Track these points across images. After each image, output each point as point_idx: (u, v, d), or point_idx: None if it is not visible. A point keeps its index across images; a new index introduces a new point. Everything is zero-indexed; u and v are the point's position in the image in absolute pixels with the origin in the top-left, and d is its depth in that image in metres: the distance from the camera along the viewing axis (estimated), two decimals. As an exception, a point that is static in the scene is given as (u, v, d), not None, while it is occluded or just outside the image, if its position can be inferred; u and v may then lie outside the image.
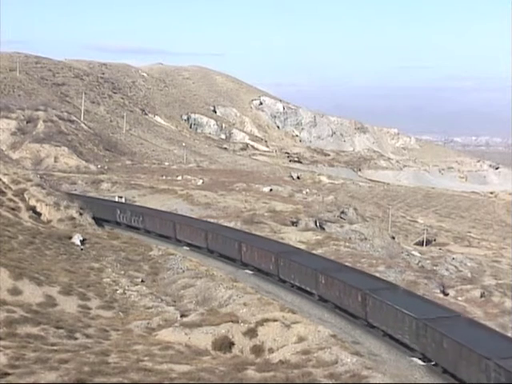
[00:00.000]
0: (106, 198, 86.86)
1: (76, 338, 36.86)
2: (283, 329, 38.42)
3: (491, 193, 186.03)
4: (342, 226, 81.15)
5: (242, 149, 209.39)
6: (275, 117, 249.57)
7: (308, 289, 48.00)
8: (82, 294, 44.55)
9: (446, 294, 56.37)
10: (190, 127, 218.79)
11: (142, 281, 51.48)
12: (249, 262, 55.08)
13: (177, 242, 63.59)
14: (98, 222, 68.59)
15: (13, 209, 61.12)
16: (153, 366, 32.18)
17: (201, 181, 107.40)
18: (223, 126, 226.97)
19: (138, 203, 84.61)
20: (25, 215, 60.97)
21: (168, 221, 66.29)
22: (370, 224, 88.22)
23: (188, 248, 62.28)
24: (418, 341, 37.13)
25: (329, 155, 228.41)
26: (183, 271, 54.27)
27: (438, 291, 56.28)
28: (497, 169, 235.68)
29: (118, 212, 71.48)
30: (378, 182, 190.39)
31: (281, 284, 51.47)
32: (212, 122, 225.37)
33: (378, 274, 54.10)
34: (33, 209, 62.82)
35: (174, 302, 47.15)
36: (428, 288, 56.60)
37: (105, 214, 71.68)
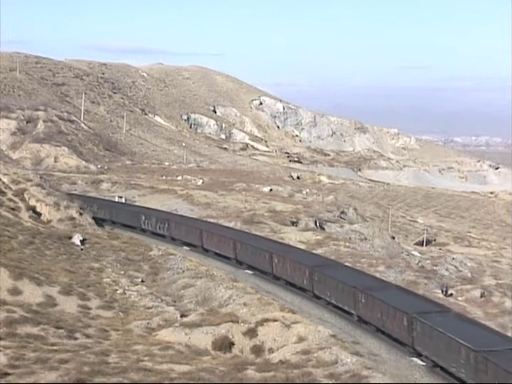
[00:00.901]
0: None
1: (76, 338, 36.86)
2: (283, 329, 38.42)
3: (491, 193, 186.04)
4: (341, 226, 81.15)
5: (242, 149, 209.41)
6: (275, 117, 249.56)
7: (346, 308, 43.55)
8: (82, 294, 44.54)
9: (449, 295, 56.26)
10: (190, 127, 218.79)
11: (142, 281, 51.47)
12: (281, 276, 51.09)
13: (204, 251, 60.43)
14: (123, 227, 68.52)
15: (13, 209, 61.11)
16: (153, 366, 32.18)
17: (201, 181, 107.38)
18: (223, 125, 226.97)
19: (137, 203, 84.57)
20: (25, 215, 60.96)
21: (194, 228, 62.60)
22: (370, 224, 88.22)
23: (188, 248, 62.27)
24: (477, 377, 31.96)
25: (329, 155, 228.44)
26: (183, 271, 54.25)
27: (440, 292, 56.18)
28: (497, 169, 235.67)
29: (143, 218, 68.35)
30: (378, 181, 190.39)
31: (277, 282, 51.44)
32: (212, 121, 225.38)
33: (377, 274, 54.14)
34: (33, 209, 62.81)
35: (174, 302, 47.14)
36: (428, 288, 56.60)
37: (128, 219, 69.60)
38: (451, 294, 56.77)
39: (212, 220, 73.71)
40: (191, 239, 62.33)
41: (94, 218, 67.80)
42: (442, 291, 56.21)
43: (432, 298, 45.19)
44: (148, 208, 76.07)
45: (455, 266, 69.25)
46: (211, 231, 60.91)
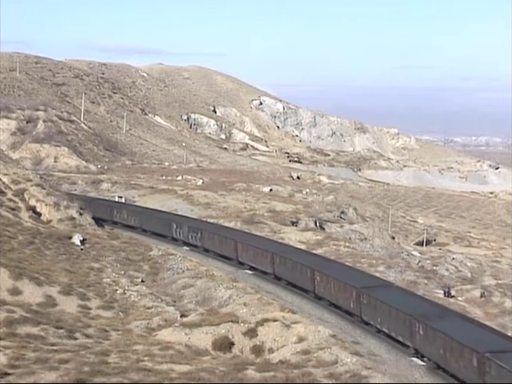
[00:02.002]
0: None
1: (76, 338, 36.86)
2: (283, 329, 38.41)
3: (491, 193, 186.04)
4: (341, 226, 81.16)
5: (242, 149, 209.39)
6: (275, 117, 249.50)
7: (400, 339, 38.32)
8: (82, 294, 44.54)
9: (452, 297, 56.14)
10: (190, 127, 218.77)
11: (142, 281, 51.47)
12: (323, 295, 46.42)
13: (239, 264, 56.19)
14: (154, 236, 65.79)
15: (13, 209, 61.10)
16: (153, 366, 32.18)
17: (201, 181, 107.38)
18: (223, 125, 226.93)
19: (137, 203, 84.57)
20: (25, 215, 60.95)
21: (229, 239, 57.86)
22: (370, 224, 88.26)
23: (188, 248, 62.25)
24: None
25: (329, 155, 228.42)
26: (183, 271, 54.25)
27: (442, 293, 56.05)
28: (497, 169, 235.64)
29: (175, 227, 64.61)
30: (378, 182, 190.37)
31: (277, 282, 51.19)
32: (212, 121, 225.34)
33: (377, 274, 54.15)
34: (33, 209, 62.80)
35: (174, 302, 47.13)
36: (428, 288, 56.61)
37: (159, 227, 66.37)
38: (453, 296, 56.63)
39: (212, 220, 73.67)
40: (225, 251, 57.76)
41: (123, 225, 68.86)
42: (445, 293, 56.07)
43: (506, 334, 39.27)
44: (180, 215, 72.66)
45: (455, 266, 69.30)
46: (247, 243, 56.07)
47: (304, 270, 48.19)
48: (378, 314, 40.19)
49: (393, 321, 38.71)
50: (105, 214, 71.49)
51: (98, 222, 67.87)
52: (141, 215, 69.41)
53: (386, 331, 39.34)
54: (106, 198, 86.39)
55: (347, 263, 57.28)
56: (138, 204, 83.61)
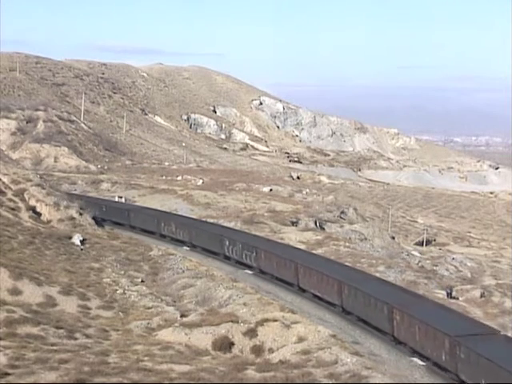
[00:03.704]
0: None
1: (76, 338, 36.85)
2: (283, 329, 38.41)
3: (491, 193, 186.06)
4: (341, 226, 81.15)
5: (242, 149, 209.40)
6: (275, 117, 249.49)
7: None
8: (82, 294, 44.53)
9: (453, 298, 56.10)
10: (190, 127, 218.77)
11: (142, 281, 51.46)
12: (405, 340, 38.01)
13: (300, 291, 48.89)
14: (205, 252, 59.79)
15: (13, 209, 61.09)
16: (153, 366, 32.18)
17: (201, 181, 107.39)
18: (223, 125, 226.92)
19: (137, 203, 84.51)
20: (25, 215, 60.94)
21: (289, 261, 50.43)
22: (370, 224, 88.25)
23: (188, 248, 62.21)
24: None
25: (329, 155, 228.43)
26: (183, 271, 54.23)
27: (445, 294, 56.01)
28: (497, 169, 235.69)
29: (227, 243, 57.79)
30: (378, 182, 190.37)
31: (279, 283, 51.22)
32: (212, 121, 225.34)
33: (377, 274, 54.12)
34: (33, 209, 62.80)
35: (174, 302, 47.12)
36: (428, 288, 56.59)
37: (211, 244, 60.02)
38: (454, 298, 56.57)
39: (212, 220, 73.62)
40: (285, 275, 50.63)
41: (172, 239, 63.85)
42: (447, 294, 56.00)
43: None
44: (233, 230, 65.97)
45: (455, 266, 69.30)
46: (309, 267, 48.33)
47: (380, 306, 40.18)
48: (482, 372, 31.13)
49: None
50: (151, 225, 67.23)
51: (146, 233, 66.13)
52: (190, 229, 63.18)
53: None
54: (147, 206, 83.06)
55: (347, 263, 57.24)
56: (138, 203, 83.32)
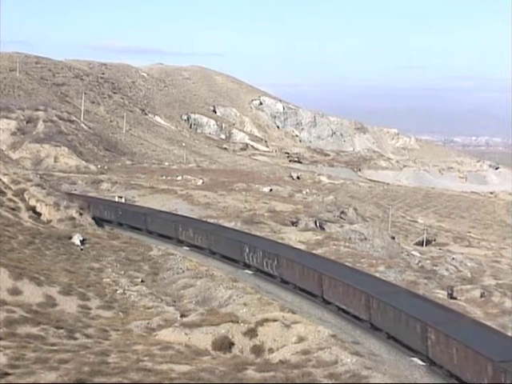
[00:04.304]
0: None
1: (76, 338, 36.85)
2: (283, 329, 38.41)
3: (491, 193, 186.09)
4: (341, 226, 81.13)
5: (242, 149, 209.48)
6: (275, 117, 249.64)
7: None
8: (82, 294, 44.53)
9: (454, 298, 56.07)
10: (190, 127, 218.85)
11: (142, 281, 51.47)
12: (442, 363, 34.48)
13: (325, 303, 45.89)
14: (225, 260, 57.13)
15: (13, 209, 61.09)
16: (153, 366, 32.16)
17: (201, 181, 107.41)
18: (223, 125, 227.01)
19: (137, 203, 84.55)
20: (25, 215, 60.94)
21: (312, 270, 47.20)
22: (370, 224, 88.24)
23: (188, 248, 62.20)
24: None
25: (329, 155, 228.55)
26: (183, 271, 54.24)
27: (446, 294, 55.96)
28: (497, 169, 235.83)
29: (247, 250, 54.98)
30: (378, 182, 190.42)
31: (280, 284, 51.20)
32: (212, 121, 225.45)
33: (377, 274, 54.09)
34: (33, 209, 62.80)
35: (174, 302, 47.12)
36: (428, 288, 56.57)
37: (229, 251, 57.50)
38: (456, 298, 56.49)
39: (212, 220, 73.64)
40: (308, 285, 47.52)
41: (189, 244, 61.57)
42: (449, 294, 55.94)
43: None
44: (254, 236, 63.00)
45: (455, 266, 69.28)
46: (335, 277, 45.01)
47: (412, 323, 36.64)
48: None
49: None
50: (169, 230, 65.20)
51: (164, 239, 64.29)
52: (209, 235, 60.41)
53: None
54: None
55: (347, 263, 57.21)
56: (138, 203, 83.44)
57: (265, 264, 52.48)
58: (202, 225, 65.57)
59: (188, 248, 62.01)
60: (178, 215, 73.38)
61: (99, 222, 68.47)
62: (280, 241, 64.33)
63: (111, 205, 75.91)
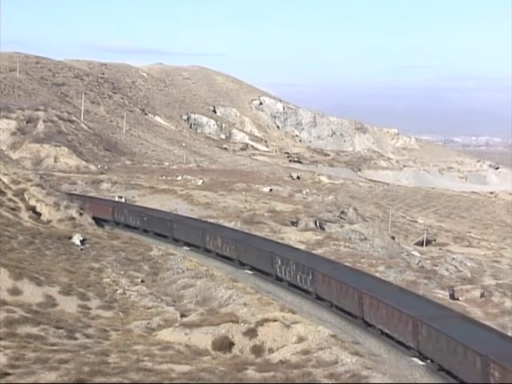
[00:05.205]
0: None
1: (76, 338, 36.86)
2: (283, 329, 38.41)
3: (491, 193, 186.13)
4: (341, 226, 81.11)
5: (242, 149, 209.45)
6: (275, 117, 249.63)
7: None
8: (82, 293, 44.54)
9: (455, 299, 56.03)
10: (190, 127, 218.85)
11: (142, 281, 51.47)
12: None
13: (366, 325, 41.37)
14: (254, 270, 53.93)
15: (13, 209, 61.09)
16: (153, 366, 32.17)
17: (201, 181, 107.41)
18: (223, 126, 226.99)
19: (138, 203, 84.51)
20: (25, 215, 60.94)
21: (351, 288, 42.70)
22: (370, 224, 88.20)
23: (188, 248, 62.16)
24: None
25: (329, 155, 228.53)
26: (183, 271, 54.23)
27: (448, 295, 55.93)
28: (497, 169, 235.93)
29: (279, 263, 50.86)
30: (378, 182, 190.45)
31: (280, 283, 51.15)
32: (212, 121, 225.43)
33: (377, 274, 54.07)
34: (33, 209, 62.80)
35: (174, 301, 47.12)
36: (428, 288, 56.56)
37: (260, 262, 53.51)
38: (457, 299, 56.44)
39: (212, 220, 73.55)
40: (346, 304, 42.98)
41: (217, 254, 58.22)
42: (450, 295, 55.89)
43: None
44: (287, 246, 59.07)
45: (455, 266, 69.25)
46: (377, 297, 40.18)
47: (471, 356, 31.22)
48: None
49: None
50: (196, 239, 61.69)
51: (191, 247, 61.66)
52: (238, 244, 56.56)
53: None
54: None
55: (347, 263, 57.19)
56: (138, 203, 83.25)
57: (298, 278, 48.31)
58: (230, 233, 61.74)
59: (188, 248, 62.02)
60: (205, 221, 69.39)
61: (124, 228, 67.84)
62: (280, 241, 64.29)
63: (136, 210, 72.90)
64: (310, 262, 49.06)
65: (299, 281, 48.12)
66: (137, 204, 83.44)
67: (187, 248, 62.05)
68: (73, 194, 77.32)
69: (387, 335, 38.77)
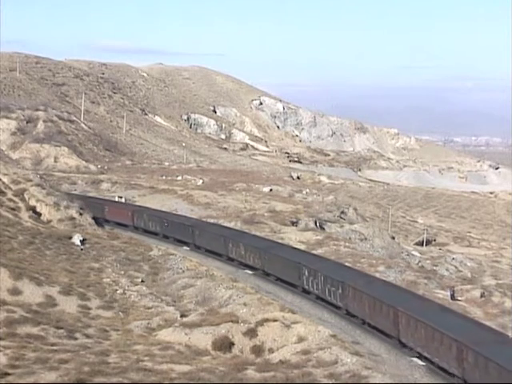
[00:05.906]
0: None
1: (76, 338, 36.86)
2: (283, 329, 38.40)
3: (491, 193, 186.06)
4: (342, 226, 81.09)
5: (242, 149, 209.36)
6: (275, 117, 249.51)
7: None
8: (82, 294, 44.53)
9: (455, 299, 56.02)
10: (190, 127, 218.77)
11: (142, 281, 51.46)
12: None
13: (402, 346, 37.88)
14: (279, 281, 50.93)
15: (13, 209, 61.08)
16: (153, 365, 32.17)
17: (201, 181, 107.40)
18: (223, 125, 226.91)
19: (138, 203, 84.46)
20: (25, 215, 60.92)
21: (386, 306, 39.08)
22: (370, 224, 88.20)
23: (188, 248, 62.10)
24: None
25: (329, 155, 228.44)
26: (183, 271, 54.21)
27: (449, 295, 55.90)
28: (497, 169, 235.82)
29: (306, 274, 47.61)
30: (378, 182, 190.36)
31: (280, 284, 51.10)
32: (212, 121, 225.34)
33: (377, 274, 54.07)
34: (33, 209, 62.78)
35: (174, 301, 47.11)
36: (428, 288, 56.54)
37: (285, 273, 50.59)
38: (457, 299, 56.42)
39: (212, 220, 73.43)
40: (380, 323, 39.54)
41: (240, 263, 55.47)
42: (451, 295, 55.85)
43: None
44: (314, 256, 55.54)
45: (455, 266, 69.22)
46: (415, 317, 36.37)
47: None
48: None
49: None
50: (218, 246, 58.81)
51: (211, 255, 58.87)
52: (262, 253, 53.31)
53: None
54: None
55: (347, 263, 57.18)
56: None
57: (327, 292, 44.86)
58: (253, 240, 58.23)
59: (188, 248, 61.97)
60: (227, 228, 65.93)
61: (144, 234, 66.22)
62: (280, 241, 64.23)
63: (156, 214, 70.03)
64: (340, 275, 45.27)
65: (328, 294, 44.68)
66: (152, 208, 78.21)
67: (187, 248, 61.98)
68: (89, 197, 76.27)
69: (426, 359, 35.05)
